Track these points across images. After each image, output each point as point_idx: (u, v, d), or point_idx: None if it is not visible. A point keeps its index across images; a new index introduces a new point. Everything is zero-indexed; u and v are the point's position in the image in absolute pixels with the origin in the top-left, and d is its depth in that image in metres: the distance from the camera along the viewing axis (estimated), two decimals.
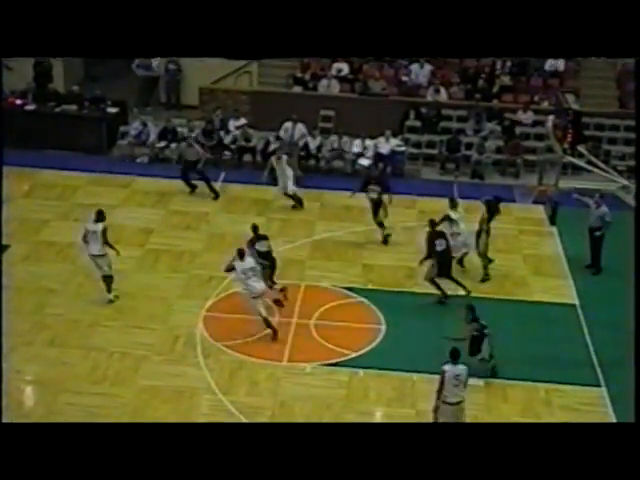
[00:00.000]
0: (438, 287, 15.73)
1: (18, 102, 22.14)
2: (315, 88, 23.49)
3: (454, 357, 11.95)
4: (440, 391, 11.91)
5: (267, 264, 15.32)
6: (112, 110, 22.16)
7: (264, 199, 19.63)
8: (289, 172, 18.86)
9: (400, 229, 18.33)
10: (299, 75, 23.77)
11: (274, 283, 15.49)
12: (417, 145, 22.05)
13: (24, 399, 13.31)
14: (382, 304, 15.72)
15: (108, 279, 15.33)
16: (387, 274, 16.82)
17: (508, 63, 23.56)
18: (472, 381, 12.47)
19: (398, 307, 15.76)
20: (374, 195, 17.66)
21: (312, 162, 21.38)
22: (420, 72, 23.36)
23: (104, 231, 15.04)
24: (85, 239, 15.17)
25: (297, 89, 23.57)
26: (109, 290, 15.38)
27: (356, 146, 21.22)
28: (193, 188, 19.52)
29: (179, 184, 19.74)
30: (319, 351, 14.46)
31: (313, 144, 21.36)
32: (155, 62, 23.93)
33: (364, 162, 20.85)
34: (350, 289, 16.21)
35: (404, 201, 19.30)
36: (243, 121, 21.79)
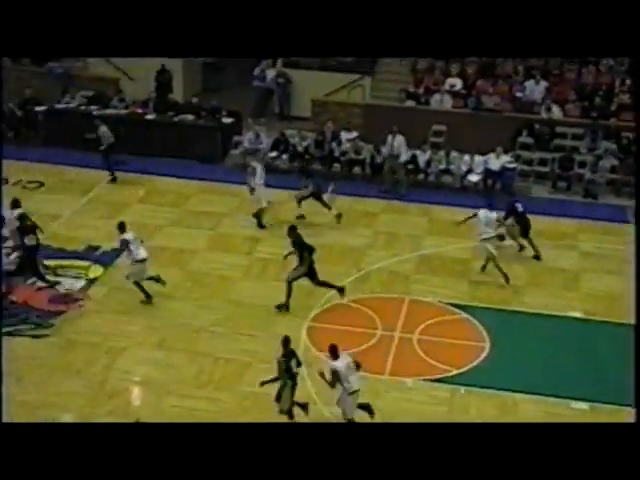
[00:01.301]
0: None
1: (139, 111, 22.86)
2: (427, 102, 23.45)
3: (333, 353, 12.37)
4: (335, 385, 12.29)
5: None
6: (227, 120, 22.65)
7: (372, 212, 19.72)
8: None
9: (509, 246, 18.10)
10: (412, 89, 23.79)
11: None
12: (528, 162, 21.75)
13: (131, 399, 13.70)
14: (487, 322, 15.56)
15: None
16: (493, 291, 16.64)
17: (627, 81, 23.01)
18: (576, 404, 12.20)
19: (503, 326, 15.58)
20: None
21: (421, 176, 21.35)
22: (535, 88, 23.03)
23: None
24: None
25: (410, 103, 23.57)
26: None
27: (465, 162, 21.09)
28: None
29: (288, 193, 20.02)
30: (421, 366, 14.41)
31: (422, 158, 21.33)
32: (270, 74, 24.34)
33: (473, 178, 20.72)
34: (455, 305, 16.11)
35: None
36: (354, 134, 21.94)
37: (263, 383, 12.70)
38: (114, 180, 20.77)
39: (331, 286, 16.00)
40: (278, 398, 12.67)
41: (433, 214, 19.57)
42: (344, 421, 12.49)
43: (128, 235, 15.62)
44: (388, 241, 18.48)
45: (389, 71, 24.75)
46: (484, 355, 14.74)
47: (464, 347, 14.99)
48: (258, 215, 18.77)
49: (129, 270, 15.65)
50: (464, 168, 21.06)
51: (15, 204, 16.60)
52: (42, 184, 20.39)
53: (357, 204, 19.97)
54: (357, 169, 21.58)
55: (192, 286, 16.40)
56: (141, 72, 24.27)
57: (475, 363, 14.54)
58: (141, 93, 23.54)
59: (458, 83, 23.66)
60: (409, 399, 13.60)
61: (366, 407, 12.80)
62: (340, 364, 12.39)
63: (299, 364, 12.77)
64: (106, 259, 17.10)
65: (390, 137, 20.87)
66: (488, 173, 20.85)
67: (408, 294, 16.45)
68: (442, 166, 21.31)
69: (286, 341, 12.71)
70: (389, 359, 14.56)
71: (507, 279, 16.64)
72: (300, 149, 21.82)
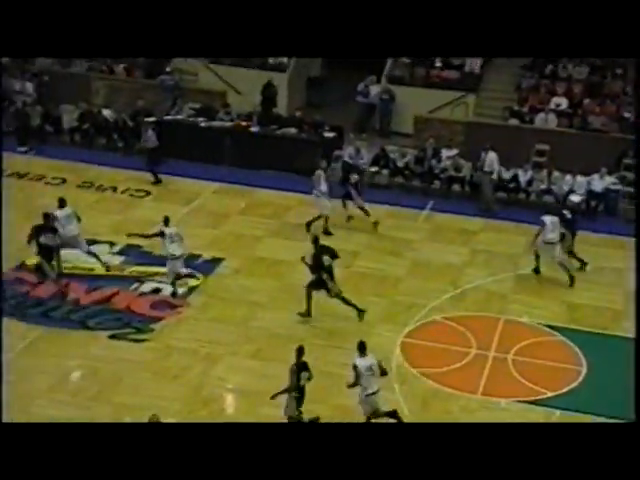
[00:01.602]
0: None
1: (244, 124, 23.31)
2: (532, 121, 23.23)
3: (361, 349, 12.58)
4: (356, 385, 12.48)
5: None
6: (329, 135, 22.89)
7: (470, 230, 19.62)
8: None
9: (609, 270, 17.80)
10: (516, 108, 23.60)
11: None
12: (634, 184, 21.26)
13: (226, 407, 13.96)
14: (584, 345, 15.30)
15: None
16: (591, 314, 16.36)
17: None
18: None
19: (601, 350, 15.30)
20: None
21: (522, 195, 21.14)
22: None
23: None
24: None
25: (513, 122, 23.39)
26: None
27: (567, 182, 20.78)
28: None
29: (386, 209, 20.12)
30: (515, 387, 14.26)
31: (524, 178, 21.13)
32: (374, 90, 24.51)
33: (575, 198, 20.41)
34: (551, 327, 15.89)
35: (615, 241, 18.72)
36: (455, 151, 21.89)
37: (274, 396, 12.66)
38: (158, 182, 21.38)
39: (352, 305, 15.85)
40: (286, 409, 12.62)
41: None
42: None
43: (168, 230, 16.34)
44: (486, 260, 18.36)
45: (494, 89, 24.63)
46: (580, 379, 14.50)
47: (560, 370, 14.77)
48: (310, 222, 19.08)
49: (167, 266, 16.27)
50: (566, 188, 20.76)
51: (61, 203, 17.17)
52: (149, 193, 20.98)
53: (455, 222, 19.90)
54: (456, 186, 21.52)
55: (289, 298, 16.60)
56: (248, 86, 24.81)
57: (571, 387, 14.31)
58: (247, 106, 24.01)
59: (564, 102, 23.36)
60: (502, 419, 13.46)
61: (393, 414, 12.79)
62: (362, 362, 12.57)
63: (309, 378, 12.71)
64: (206, 267, 17.49)
65: (483, 154, 20.77)
66: (591, 194, 20.50)
67: (504, 314, 16.31)
68: (544, 186, 21.06)
69: (300, 351, 12.72)
70: (483, 378, 14.46)
71: (572, 281, 17.18)
72: (400, 165, 21.88)
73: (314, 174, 19.32)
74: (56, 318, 15.50)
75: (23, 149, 23.01)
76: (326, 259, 15.84)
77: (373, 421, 12.61)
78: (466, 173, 21.49)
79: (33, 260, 17.19)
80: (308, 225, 19.02)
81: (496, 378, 14.48)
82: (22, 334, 14.85)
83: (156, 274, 17.07)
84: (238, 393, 14.09)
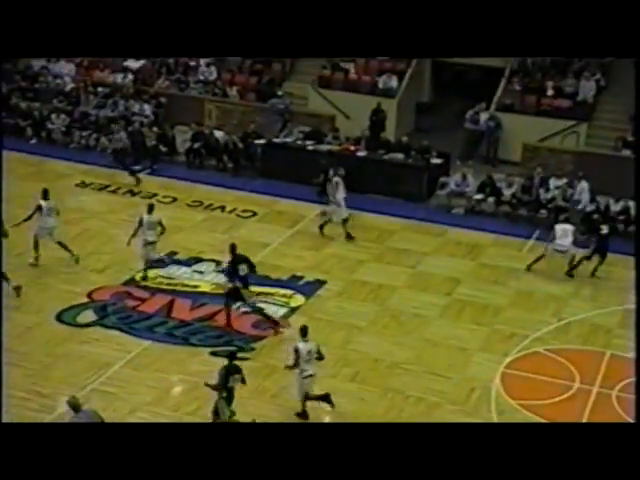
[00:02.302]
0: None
1: (352, 148, 23.49)
2: None
3: (303, 334, 13.56)
4: (295, 367, 13.44)
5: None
6: (436, 161, 22.83)
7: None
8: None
9: None
10: (630, 139, 23.07)
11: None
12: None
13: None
14: None
15: None
16: None
17: None
18: None
19: None
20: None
21: (632, 228, 20.58)
22: None
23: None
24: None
25: (626, 152, 22.87)
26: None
27: None
28: None
29: (491, 237, 19.92)
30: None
31: (635, 210, 20.57)
32: (483, 117, 24.36)
33: None
34: None
35: None
36: (564, 180, 21.53)
37: (206, 384, 13.08)
38: (138, 182, 22.15)
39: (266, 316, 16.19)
40: (216, 412, 12.78)
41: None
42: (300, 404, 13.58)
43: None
44: (592, 292, 17.95)
45: (607, 118, 24.17)
46: None
47: None
48: (322, 225, 19.95)
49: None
50: None
51: (45, 195, 18.27)
52: (255, 213, 21.33)
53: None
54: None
55: (389, 322, 16.60)
56: (357, 110, 25.02)
57: None
58: (355, 131, 24.19)
59: None
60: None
61: (325, 398, 13.76)
62: (304, 346, 13.55)
63: (243, 381, 13.04)
64: (308, 289, 17.65)
65: (575, 182, 20.53)
66: None
67: (609, 348, 15.91)
68: None
69: (232, 356, 13.22)
70: (585, 414, 14.10)
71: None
72: (507, 193, 21.65)
73: (331, 182, 19.85)
74: (161, 333, 15.88)
75: (138, 168, 23.73)
76: (242, 268, 15.91)
77: (307, 403, 13.66)
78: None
79: (141, 275, 17.73)
80: (321, 228, 19.97)
81: (599, 414, 14.09)
82: (127, 347, 15.26)
83: (259, 294, 17.30)
84: (335, 415, 14.10)
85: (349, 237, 19.78)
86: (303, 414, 13.87)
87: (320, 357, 13.73)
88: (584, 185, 20.62)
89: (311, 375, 13.62)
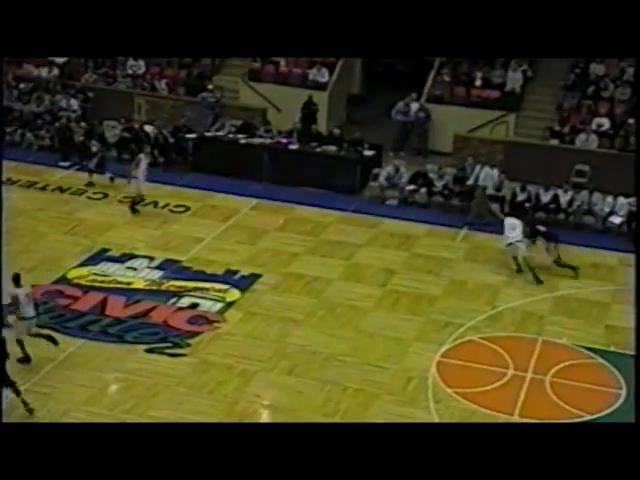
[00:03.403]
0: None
1: (283, 141, 23.43)
2: (572, 142, 23.08)
3: (16, 281, 14.15)
4: (16, 311, 14.12)
5: None
6: (368, 153, 22.90)
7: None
8: None
9: None
10: (557, 128, 23.48)
11: None
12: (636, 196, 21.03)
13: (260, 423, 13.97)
14: (624, 368, 15.07)
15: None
16: (631, 337, 16.11)
17: None
18: None
19: None
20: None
21: (561, 216, 20.98)
22: None
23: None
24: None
25: (554, 142, 23.27)
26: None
27: (608, 203, 20.61)
28: None
29: (424, 228, 20.09)
30: (552, 409, 14.07)
31: (564, 198, 20.98)
32: (414, 108, 24.52)
33: (616, 220, 20.22)
34: (590, 349, 15.72)
35: None
36: (495, 171, 21.79)
37: None
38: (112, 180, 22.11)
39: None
40: None
41: (572, 255, 19.16)
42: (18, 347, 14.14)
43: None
44: (524, 280, 18.21)
45: (535, 109, 24.52)
46: (619, 403, 14.28)
47: (598, 393, 14.58)
48: (134, 202, 20.46)
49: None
50: (607, 209, 20.58)
51: None
52: (188, 208, 21.14)
53: (494, 241, 19.76)
54: (496, 206, 21.39)
55: (325, 314, 16.62)
56: (288, 103, 24.97)
57: (609, 410, 14.11)
58: (287, 124, 24.15)
59: (606, 123, 23.20)
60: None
61: (49, 337, 14.55)
62: (21, 291, 14.14)
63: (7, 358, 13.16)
64: (243, 283, 17.57)
65: (478, 168, 21.46)
66: (632, 216, 20.28)
67: (542, 335, 16.17)
68: (584, 207, 20.90)
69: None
70: (519, 400, 14.31)
71: (538, 280, 17.89)
72: (438, 185, 21.83)
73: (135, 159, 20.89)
74: (94, 331, 15.64)
75: (66, 164, 23.32)
76: None
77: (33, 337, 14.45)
78: (506, 193, 21.38)
79: (74, 274, 17.44)
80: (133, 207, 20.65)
81: (533, 400, 14.33)
82: (61, 347, 14.98)
83: (194, 289, 17.17)
84: (273, 409, 14.09)
85: (134, 211, 20.52)
86: (26, 358, 14.41)
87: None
88: (488, 170, 21.29)
89: (31, 318, 14.35)
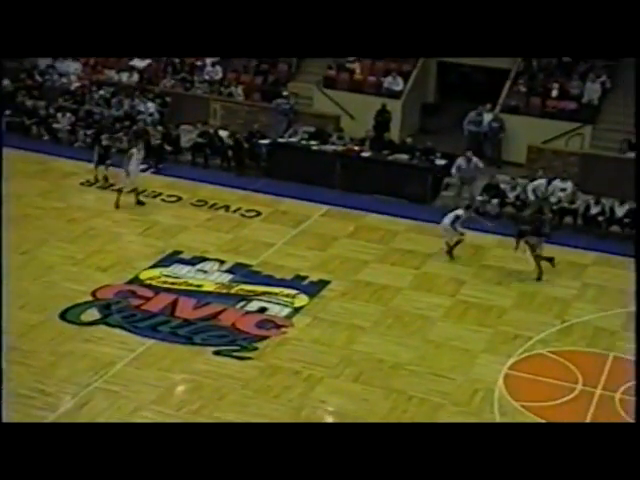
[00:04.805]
0: None
1: (356, 148, 23.53)
2: None
3: None
4: None
5: None
6: (440, 162, 22.85)
7: (581, 263, 19.24)
8: None
9: None
10: (635, 141, 23.04)
11: None
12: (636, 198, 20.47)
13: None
14: None
15: None
16: None
17: None
18: None
19: None
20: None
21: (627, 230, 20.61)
22: None
23: None
24: None
25: (631, 154, 22.86)
26: None
27: None
28: None
29: (495, 239, 19.95)
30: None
31: None
32: (487, 119, 24.34)
33: None
34: None
35: None
36: (569, 183, 21.53)
37: None
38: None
39: None
40: None
41: None
42: None
43: None
44: (596, 294, 17.95)
45: (612, 121, 24.13)
46: None
47: None
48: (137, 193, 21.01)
49: None
50: None
51: None
52: (259, 213, 21.35)
53: (566, 254, 19.54)
54: (569, 219, 21.14)
55: (392, 323, 16.62)
56: (361, 111, 25.03)
57: None
58: (360, 131, 24.22)
59: None
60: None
61: None
62: None
63: None
64: (312, 289, 17.66)
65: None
66: None
67: (612, 351, 15.91)
68: None
69: None
70: (588, 416, 14.10)
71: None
72: (511, 197, 21.64)
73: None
74: (164, 332, 15.90)
75: (142, 167, 23.74)
76: None
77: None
78: (580, 205, 21.09)
79: (147, 275, 17.77)
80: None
81: (602, 416, 14.07)
82: (131, 346, 15.29)
83: (263, 293, 17.34)
84: (337, 416, 14.13)
85: (139, 203, 21.06)
86: None
87: None
88: (558, 184, 21.02)
89: None
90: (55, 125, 25.79)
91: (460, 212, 18.85)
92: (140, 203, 21.09)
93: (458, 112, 25.12)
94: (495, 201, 21.58)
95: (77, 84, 27.61)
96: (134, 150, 21.30)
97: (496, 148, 24.38)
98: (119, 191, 20.89)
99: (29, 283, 17.14)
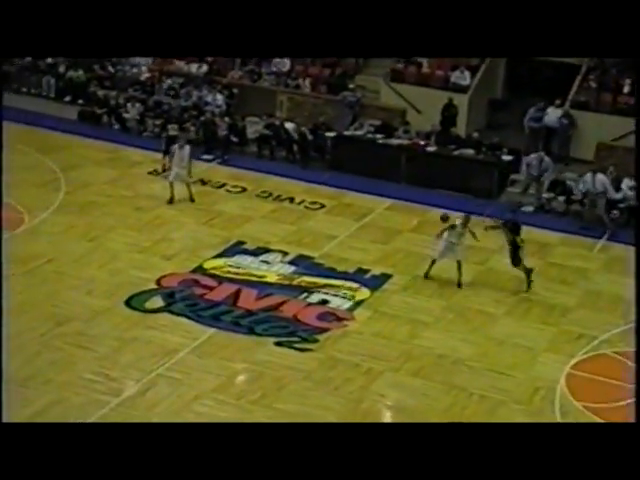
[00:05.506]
0: None
1: (422, 142, 23.44)
2: None
3: None
4: None
5: None
6: (506, 158, 22.63)
7: None
8: None
9: None
10: None
11: None
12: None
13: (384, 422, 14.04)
14: None
15: None
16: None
17: None
18: None
19: None
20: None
21: None
22: None
23: None
24: None
25: None
26: None
27: None
28: None
29: (560, 236, 19.69)
30: None
31: None
32: (555, 114, 24.00)
33: None
34: None
35: None
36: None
37: None
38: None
39: None
40: None
41: None
42: None
43: None
44: None
45: None
46: None
47: None
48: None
49: None
50: None
51: None
52: (323, 205, 21.40)
53: (632, 252, 19.11)
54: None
55: (454, 318, 16.54)
56: (428, 105, 24.91)
57: None
58: (426, 125, 24.11)
59: None
60: None
61: None
62: None
63: None
64: (374, 283, 17.66)
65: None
66: None
67: None
68: None
69: None
70: None
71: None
72: (577, 193, 21.34)
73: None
74: (226, 321, 16.06)
75: (209, 157, 24.00)
76: None
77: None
78: None
79: (210, 264, 17.95)
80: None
81: None
82: (193, 334, 15.49)
83: (325, 286, 17.39)
84: (397, 410, 14.12)
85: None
86: None
87: None
88: (601, 178, 20.65)
89: None
90: (125, 115, 26.20)
91: (458, 222, 17.90)
92: (171, 201, 20.90)
93: (526, 107, 24.82)
94: (561, 198, 21.29)
95: (147, 75, 28.02)
96: (186, 146, 21.19)
97: (565, 145, 24.04)
98: (187, 185, 21.02)
99: (96, 270, 17.46)
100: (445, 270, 18.23)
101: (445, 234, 17.61)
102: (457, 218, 17.88)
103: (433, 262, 17.66)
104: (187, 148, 20.89)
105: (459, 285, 17.56)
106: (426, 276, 17.75)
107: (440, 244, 17.63)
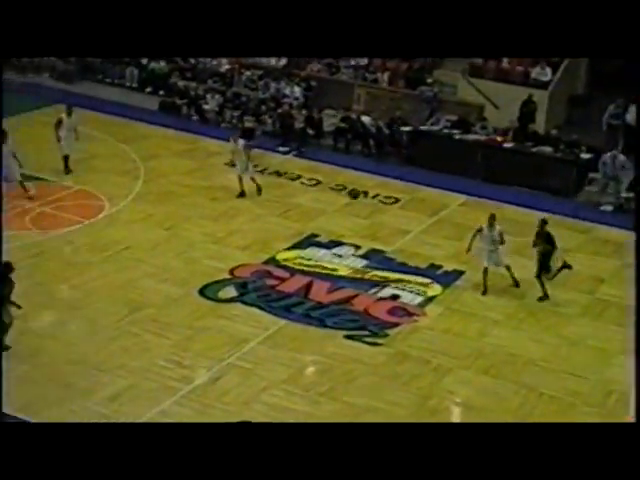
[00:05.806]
0: None
1: (499, 139, 23.20)
2: None
3: None
4: None
5: None
6: (585, 156, 22.25)
7: None
8: None
9: None
10: None
11: None
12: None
13: (452, 420, 13.98)
14: None
15: None
16: None
17: None
18: None
19: None
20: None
21: None
22: None
23: None
24: None
25: None
26: None
27: None
28: None
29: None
30: None
31: None
32: (633, 111, 23.48)
33: None
34: None
35: None
36: None
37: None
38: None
39: None
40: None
41: None
42: None
43: None
44: None
45: None
46: None
47: None
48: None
49: None
50: None
51: None
52: (397, 200, 21.36)
53: None
54: None
55: (525, 317, 16.38)
56: (506, 101, 24.62)
57: None
58: (504, 121, 23.84)
59: None
60: None
61: None
62: None
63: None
64: (446, 279, 17.59)
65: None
66: None
67: None
68: None
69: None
70: None
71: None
72: None
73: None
74: (297, 313, 16.18)
75: (285, 149, 24.15)
76: None
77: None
78: None
79: (283, 256, 18.09)
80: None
81: None
82: (265, 325, 15.65)
83: (396, 280, 17.38)
84: (465, 407, 14.07)
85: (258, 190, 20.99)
86: None
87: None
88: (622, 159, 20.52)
89: None
90: (204, 106, 26.53)
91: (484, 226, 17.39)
92: (241, 195, 20.88)
93: (607, 104, 24.34)
94: None
95: (227, 66, 28.30)
96: (241, 141, 21.19)
97: None
98: (253, 179, 21.06)
99: (171, 258, 17.77)
100: (517, 268, 18.02)
101: (476, 240, 17.33)
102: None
103: (485, 270, 17.18)
104: (241, 142, 21.06)
105: (516, 285, 17.29)
106: (484, 292, 17.11)
107: (480, 253, 17.31)
